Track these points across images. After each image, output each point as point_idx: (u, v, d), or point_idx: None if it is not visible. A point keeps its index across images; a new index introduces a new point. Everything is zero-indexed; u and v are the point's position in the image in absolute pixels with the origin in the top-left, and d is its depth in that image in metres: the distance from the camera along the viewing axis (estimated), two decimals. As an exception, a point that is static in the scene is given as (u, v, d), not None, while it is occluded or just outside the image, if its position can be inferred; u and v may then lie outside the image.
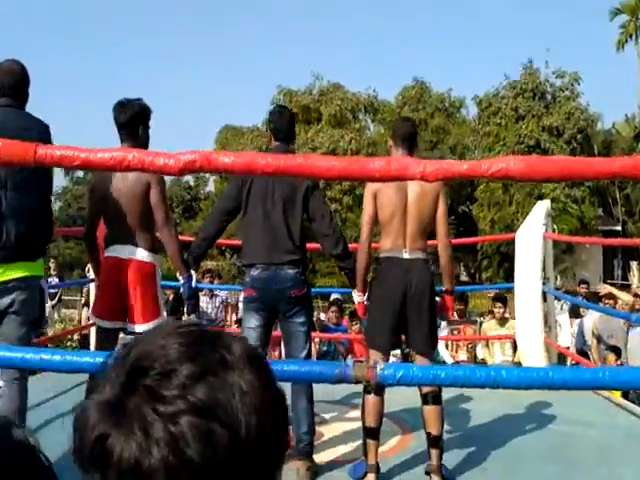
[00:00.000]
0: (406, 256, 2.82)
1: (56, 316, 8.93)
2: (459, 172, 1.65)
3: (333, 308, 6.18)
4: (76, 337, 7.04)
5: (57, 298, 9.23)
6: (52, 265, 9.78)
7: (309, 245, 3.29)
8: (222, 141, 24.74)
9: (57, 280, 9.00)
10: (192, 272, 2.99)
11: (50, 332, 7.62)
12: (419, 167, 1.64)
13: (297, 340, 2.97)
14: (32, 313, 2.64)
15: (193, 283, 2.99)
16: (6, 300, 2.55)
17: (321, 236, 3.01)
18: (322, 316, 6.71)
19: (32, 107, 2.67)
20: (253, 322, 2.98)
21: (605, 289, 5.98)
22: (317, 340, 5.66)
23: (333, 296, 7.30)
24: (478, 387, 1.53)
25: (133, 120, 2.86)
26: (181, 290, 3.08)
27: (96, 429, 0.54)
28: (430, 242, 3.00)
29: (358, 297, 3.00)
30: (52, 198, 3.06)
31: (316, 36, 50.28)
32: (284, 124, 3.05)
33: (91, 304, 6.30)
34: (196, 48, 53.90)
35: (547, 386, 1.48)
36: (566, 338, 6.59)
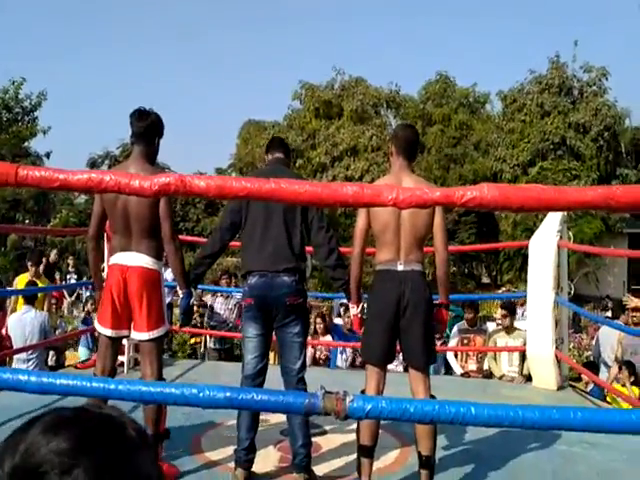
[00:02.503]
0: (400, 268, 2.77)
1: (75, 313, 9.07)
2: (432, 199, 1.61)
3: (348, 313, 6.05)
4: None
5: (75, 295, 9.37)
6: (71, 262, 9.95)
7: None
8: (245, 136, 24.77)
9: (75, 277, 9.15)
10: (192, 290, 3.00)
11: (69, 328, 7.76)
12: (392, 194, 1.61)
13: (291, 351, 2.94)
14: None
15: (191, 300, 3.00)
16: None
17: (315, 246, 3.02)
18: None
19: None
20: (251, 331, 2.97)
21: (632, 302, 5.69)
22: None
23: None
24: (447, 423, 1.49)
25: (151, 128, 2.93)
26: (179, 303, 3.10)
27: None
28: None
29: (352, 309, 2.96)
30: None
31: (339, 30, 50.06)
32: (275, 141, 3.23)
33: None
34: (217, 44, 54.16)
35: (517, 425, 1.43)
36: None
